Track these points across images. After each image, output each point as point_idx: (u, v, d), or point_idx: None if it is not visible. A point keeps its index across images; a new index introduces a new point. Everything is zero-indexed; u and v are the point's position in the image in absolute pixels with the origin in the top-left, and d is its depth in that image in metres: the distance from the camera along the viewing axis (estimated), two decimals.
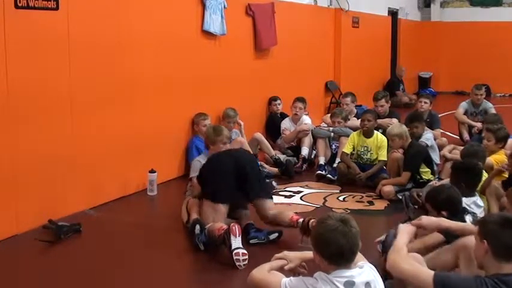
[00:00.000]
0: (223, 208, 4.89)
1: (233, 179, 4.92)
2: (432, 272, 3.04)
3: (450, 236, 3.87)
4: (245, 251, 4.41)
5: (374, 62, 14.00)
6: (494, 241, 2.94)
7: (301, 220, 4.85)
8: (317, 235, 2.96)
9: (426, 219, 3.67)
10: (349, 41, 12.27)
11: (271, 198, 5.25)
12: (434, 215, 4.08)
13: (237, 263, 4.38)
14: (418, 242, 3.90)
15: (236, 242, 4.43)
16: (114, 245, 5.03)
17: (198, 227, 4.77)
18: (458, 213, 4.17)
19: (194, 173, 5.51)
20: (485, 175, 5.25)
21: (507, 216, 3.12)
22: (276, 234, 4.98)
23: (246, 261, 4.37)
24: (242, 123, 7.74)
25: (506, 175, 5.61)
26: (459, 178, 4.73)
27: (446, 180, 5.64)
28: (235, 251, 4.40)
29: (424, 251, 3.78)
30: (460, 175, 4.77)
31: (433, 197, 4.20)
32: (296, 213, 5.15)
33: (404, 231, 3.41)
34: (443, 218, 3.89)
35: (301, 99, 8.28)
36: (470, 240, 3.48)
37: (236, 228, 4.47)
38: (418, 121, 7.17)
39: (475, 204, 4.62)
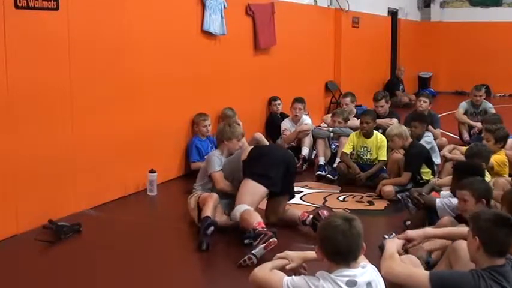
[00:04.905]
0: (263, 194, 5.00)
1: (282, 172, 5.06)
2: (427, 272, 3.08)
3: None
4: (255, 262, 4.34)
5: (374, 62, 14.00)
6: (486, 238, 2.98)
7: (310, 217, 5.06)
8: (319, 231, 3.01)
9: (412, 232, 3.73)
10: (349, 41, 12.27)
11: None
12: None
13: (241, 260, 4.39)
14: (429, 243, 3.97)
15: (259, 251, 4.42)
16: (114, 245, 5.03)
17: (212, 229, 4.76)
18: None
19: (214, 168, 5.40)
20: (487, 175, 5.24)
21: (499, 213, 3.15)
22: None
23: (247, 266, 4.33)
24: (241, 123, 7.74)
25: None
26: (461, 178, 4.71)
27: (446, 179, 5.66)
28: (250, 256, 4.40)
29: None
30: (462, 176, 4.76)
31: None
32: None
33: (393, 242, 3.44)
34: (428, 228, 3.94)
35: (299, 100, 8.27)
36: (459, 244, 3.51)
37: (272, 246, 4.43)
38: (419, 121, 7.14)
39: None
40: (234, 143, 5.66)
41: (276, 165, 5.06)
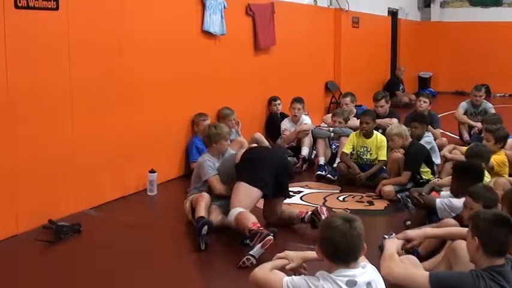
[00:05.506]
0: (257, 196, 4.97)
1: (274, 174, 5.03)
2: (427, 273, 3.09)
3: None
4: (254, 262, 4.34)
5: (374, 62, 14.00)
6: (486, 238, 2.99)
7: (309, 213, 5.13)
8: (319, 231, 3.02)
9: (411, 232, 3.74)
10: (349, 41, 12.27)
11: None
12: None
13: (240, 262, 4.39)
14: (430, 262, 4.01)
15: (257, 250, 4.42)
16: (114, 245, 5.03)
17: (206, 228, 4.77)
18: None
19: (209, 174, 5.42)
20: (487, 175, 5.24)
21: (498, 213, 3.16)
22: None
23: (247, 267, 4.32)
24: (239, 121, 7.75)
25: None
26: (461, 178, 4.72)
27: (446, 179, 5.66)
28: (248, 257, 4.40)
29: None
30: (462, 176, 4.76)
31: None
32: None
33: (393, 242, 3.44)
34: (428, 228, 3.93)
35: (298, 100, 8.26)
36: (459, 244, 3.51)
37: (268, 244, 4.44)
38: (418, 121, 7.12)
39: None
40: (223, 143, 5.62)
41: (268, 169, 5.03)
